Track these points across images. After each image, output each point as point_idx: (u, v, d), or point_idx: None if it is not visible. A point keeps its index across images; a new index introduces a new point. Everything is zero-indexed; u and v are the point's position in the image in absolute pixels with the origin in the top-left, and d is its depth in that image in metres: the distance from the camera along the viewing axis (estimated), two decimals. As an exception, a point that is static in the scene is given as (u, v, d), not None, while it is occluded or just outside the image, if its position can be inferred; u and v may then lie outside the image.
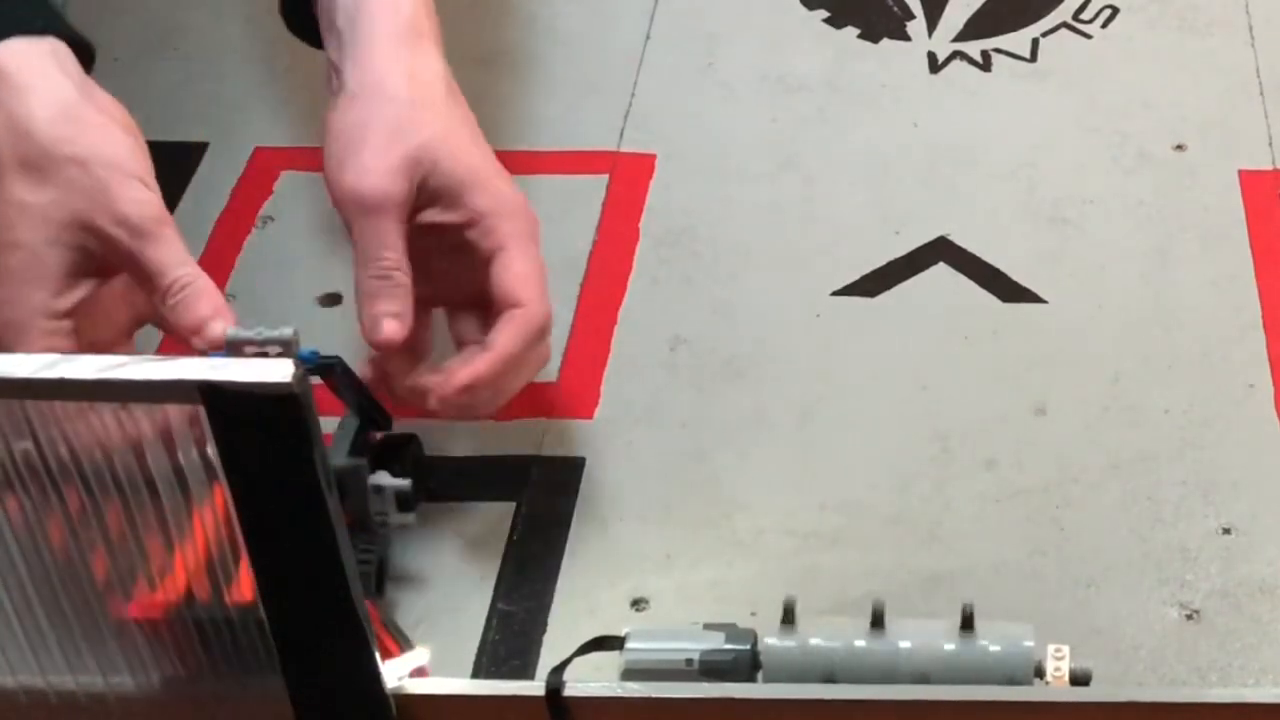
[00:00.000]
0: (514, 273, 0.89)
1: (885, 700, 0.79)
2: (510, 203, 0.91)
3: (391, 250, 0.88)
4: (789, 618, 0.83)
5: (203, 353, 0.86)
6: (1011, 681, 0.81)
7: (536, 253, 0.91)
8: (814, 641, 0.82)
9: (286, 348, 0.82)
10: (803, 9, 1.27)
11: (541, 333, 0.90)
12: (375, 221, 0.88)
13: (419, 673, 0.81)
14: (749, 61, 1.23)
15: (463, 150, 0.91)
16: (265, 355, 0.81)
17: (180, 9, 1.29)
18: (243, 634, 0.76)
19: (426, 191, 0.90)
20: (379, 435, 0.90)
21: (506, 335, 0.89)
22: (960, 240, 1.10)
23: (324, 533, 0.71)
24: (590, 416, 1.01)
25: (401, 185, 0.88)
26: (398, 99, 0.90)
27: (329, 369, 0.88)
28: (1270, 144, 1.15)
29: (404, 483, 0.88)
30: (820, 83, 1.21)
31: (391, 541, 0.91)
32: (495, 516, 0.95)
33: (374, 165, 0.89)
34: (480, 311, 0.92)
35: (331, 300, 1.06)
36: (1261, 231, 1.10)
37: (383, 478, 0.88)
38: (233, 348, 0.82)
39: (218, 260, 1.10)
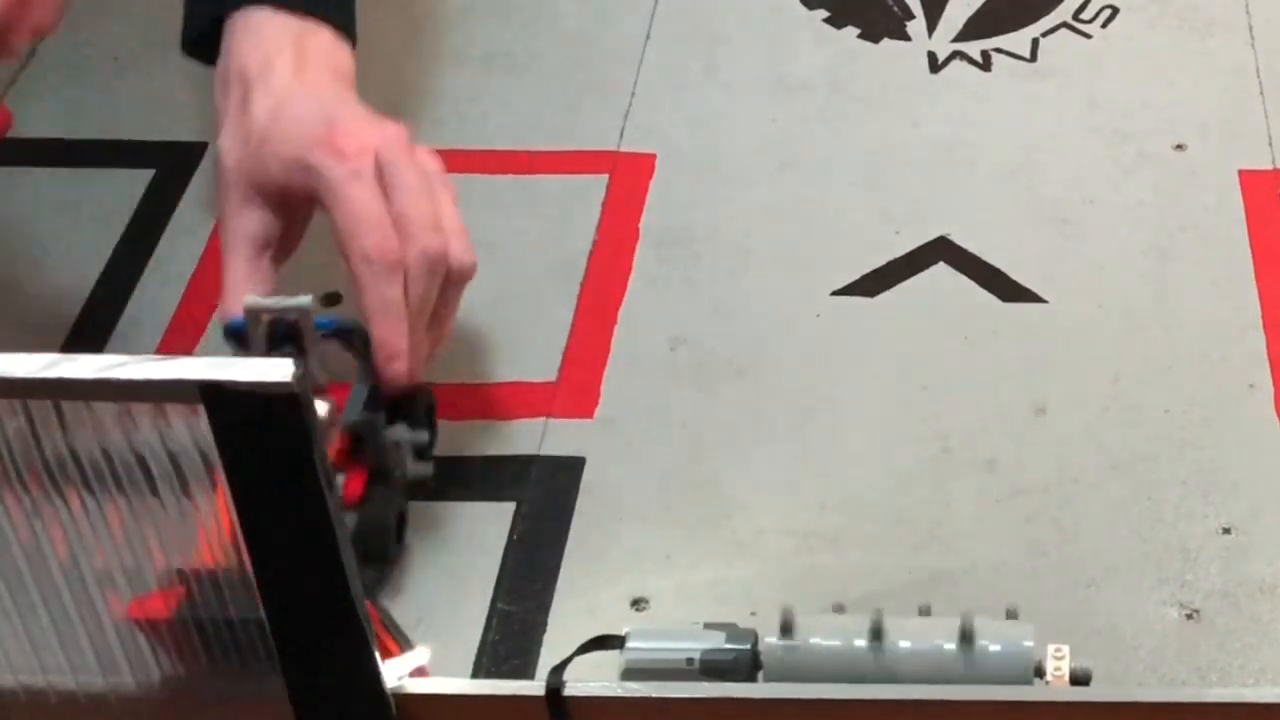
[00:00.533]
0: (337, 232, 0.89)
1: (885, 700, 0.79)
2: (318, 165, 0.90)
3: None
4: (787, 629, 0.82)
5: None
6: (1011, 681, 0.81)
7: (354, 192, 0.88)
8: (814, 641, 0.82)
9: (304, 315, 0.82)
10: (803, 9, 1.27)
11: (384, 267, 0.87)
12: None
13: (419, 673, 0.81)
14: (749, 61, 1.23)
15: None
16: (284, 319, 0.82)
17: (180, 9, 1.28)
18: (243, 634, 0.76)
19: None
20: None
21: (363, 296, 0.88)
22: (960, 240, 1.10)
23: (324, 533, 0.71)
24: (590, 416, 1.01)
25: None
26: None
27: (348, 333, 0.89)
28: (1270, 144, 1.15)
29: (421, 434, 0.89)
30: (820, 83, 1.21)
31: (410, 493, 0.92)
32: (495, 516, 0.95)
33: None
34: None
35: (331, 300, 1.06)
36: (1261, 231, 1.10)
37: (400, 431, 0.89)
38: (250, 316, 0.83)
39: (218, 260, 1.09)
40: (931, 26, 1.26)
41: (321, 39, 0.96)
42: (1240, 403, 1.00)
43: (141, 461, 0.71)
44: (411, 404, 0.90)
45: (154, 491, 0.72)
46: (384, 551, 0.89)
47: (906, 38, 1.25)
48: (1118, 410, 1.00)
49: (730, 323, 1.06)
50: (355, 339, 0.89)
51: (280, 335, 0.86)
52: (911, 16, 1.26)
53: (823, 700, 0.79)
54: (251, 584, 0.74)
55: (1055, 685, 0.81)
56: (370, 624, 0.75)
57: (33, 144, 1.18)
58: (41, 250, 1.12)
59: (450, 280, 0.88)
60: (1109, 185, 1.13)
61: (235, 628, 0.76)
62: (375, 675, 0.77)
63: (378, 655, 0.76)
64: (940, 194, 1.13)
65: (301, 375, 0.68)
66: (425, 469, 0.90)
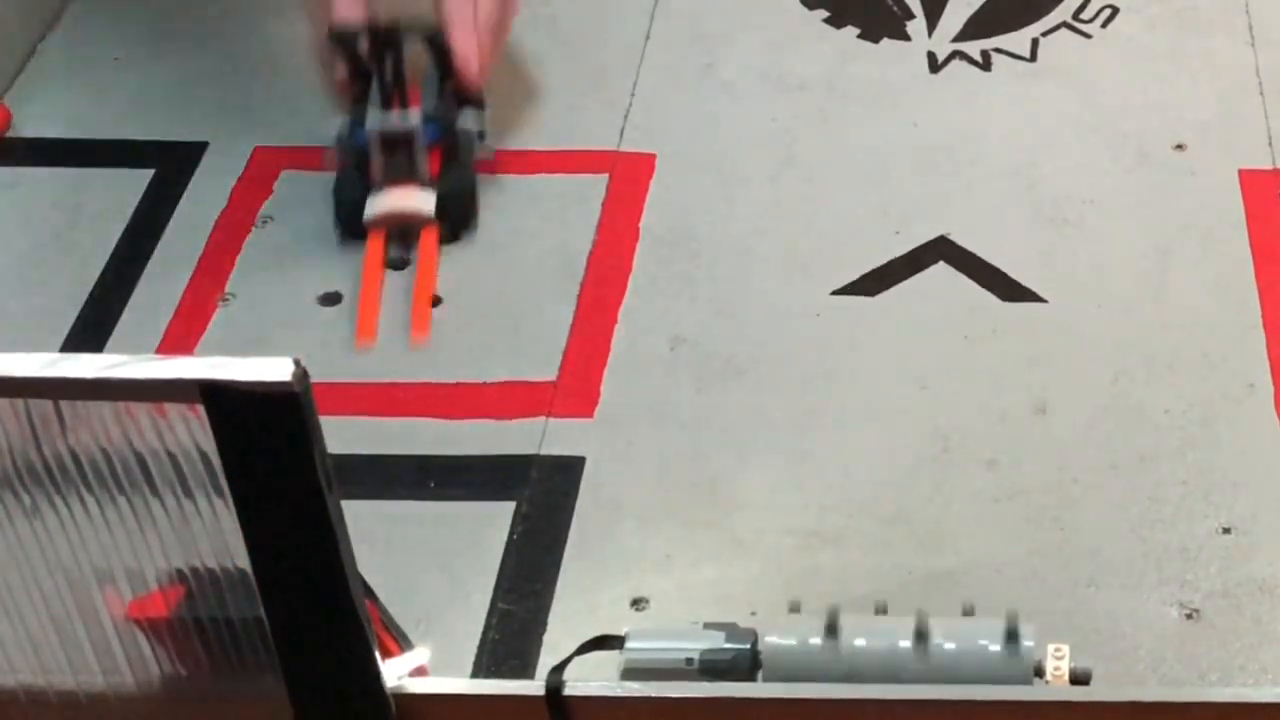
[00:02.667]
0: None
1: (885, 700, 0.79)
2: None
3: None
4: (795, 610, 0.83)
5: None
6: (1011, 681, 0.81)
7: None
8: (814, 641, 0.82)
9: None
10: (803, 9, 1.27)
11: None
12: None
13: (419, 672, 0.81)
14: (749, 61, 1.23)
15: None
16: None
17: (180, 9, 1.29)
18: (243, 634, 0.76)
19: None
20: None
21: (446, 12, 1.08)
22: (960, 240, 1.10)
23: (324, 533, 0.71)
24: (590, 416, 1.01)
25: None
26: None
27: (435, 42, 1.09)
28: (1270, 144, 1.15)
29: (482, 118, 1.11)
30: (820, 83, 1.21)
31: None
32: (495, 516, 0.95)
33: None
34: None
35: (331, 299, 1.06)
36: (1261, 231, 1.10)
37: (467, 119, 1.11)
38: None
39: (218, 260, 1.10)
40: (931, 26, 1.26)
41: None
42: (1240, 403, 1.00)
43: (141, 461, 0.71)
44: (472, 100, 1.10)
45: (154, 491, 0.72)
46: (465, 218, 1.09)
47: (906, 38, 1.25)
48: (1118, 410, 1.00)
49: (730, 323, 1.06)
50: (434, 48, 1.08)
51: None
52: (911, 16, 1.26)
53: (822, 700, 0.79)
54: (251, 583, 0.74)
55: (1055, 685, 0.81)
56: (370, 624, 0.75)
57: (33, 144, 1.18)
58: (41, 250, 1.12)
59: (507, 8, 1.10)
60: (1109, 185, 1.13)
61: (235, 627, 0.76)
62: (375, 675, 0.77)
63: (378, 655, 0.76)
64: (940, 194, 1.13)
65: (301, 374, 0.68)
66: (487, 152, 1.11)
